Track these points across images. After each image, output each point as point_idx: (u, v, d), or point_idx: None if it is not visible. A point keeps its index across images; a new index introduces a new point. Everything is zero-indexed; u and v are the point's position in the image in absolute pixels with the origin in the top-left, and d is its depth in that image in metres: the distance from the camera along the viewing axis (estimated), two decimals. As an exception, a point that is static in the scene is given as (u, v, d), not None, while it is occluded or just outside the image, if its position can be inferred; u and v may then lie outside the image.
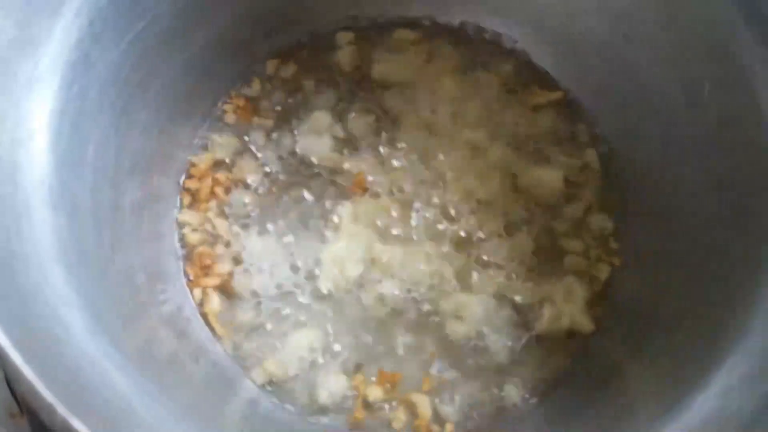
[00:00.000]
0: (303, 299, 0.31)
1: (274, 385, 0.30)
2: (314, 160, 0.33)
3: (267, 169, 0.33)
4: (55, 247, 0.21)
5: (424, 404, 0.29)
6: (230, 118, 0.34)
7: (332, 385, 0.29)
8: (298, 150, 0.33)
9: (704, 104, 0.28)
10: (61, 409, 0.16)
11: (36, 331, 0.18)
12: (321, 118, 0.33)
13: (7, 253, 0.19)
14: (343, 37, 0.35)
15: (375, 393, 0.30)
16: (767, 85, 0.25)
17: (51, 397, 0.16)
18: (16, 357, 0.16)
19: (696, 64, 0.28)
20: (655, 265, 0.30)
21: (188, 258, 0.31)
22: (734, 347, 0.21)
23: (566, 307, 0.31)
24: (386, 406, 0.29)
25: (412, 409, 0.29)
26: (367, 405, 0.29)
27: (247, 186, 0.33)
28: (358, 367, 0.30)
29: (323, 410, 0.29)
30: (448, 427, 0.29)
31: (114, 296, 0.24)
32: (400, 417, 0.29)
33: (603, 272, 0.32)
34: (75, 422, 0.16)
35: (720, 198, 0.26)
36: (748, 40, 0.25)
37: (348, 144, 0.33)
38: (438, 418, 0.29)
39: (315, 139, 0.33)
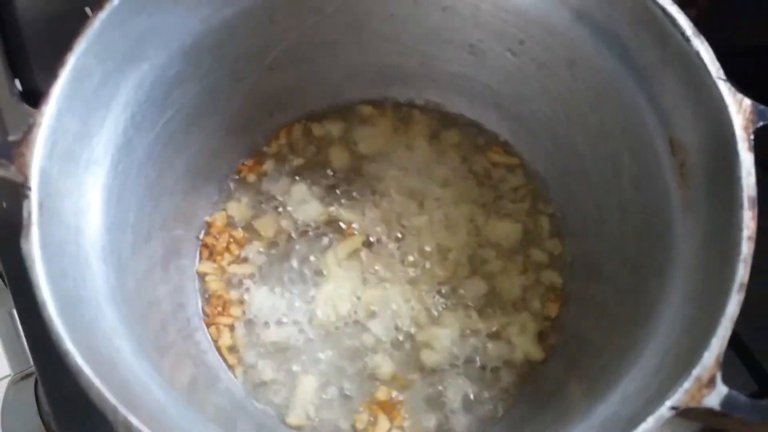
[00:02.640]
0: (302, 333, 0.37)
1: (280, 408, 0.36)
2: (307, 219, 0.39)
3: (273, 228, 0.40)
4: (106, 292, 0.27)
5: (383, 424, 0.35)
6: (241, 185, 0.41)
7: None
8: (293, 212, 0.40)
9: (624, 173, 0.34)
10: (122, 409, 0.22)
11: (98, 354, 0.24)
12: (311, 186, 0.40)
13: (75, 297, 0.25)
14: (330, 117, 0.42)
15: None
16: (666, 156, 0.31)
17: (114, 399, 0.22)
18: (88, 371, 0.22)
19: (617, 139, 0.34)
20: (592, 302, 0.36)
21: (206, 301, 0.37)
22: (634, 365, 0.27)
23: (520, 339, 0.37)
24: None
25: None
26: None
27: (256, 242, 0.39)
28: (347, 392, 0.36)
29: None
30: None
31: (150, 331, 0.30)
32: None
33: (553, 311, 0.38)
34: (133, 419, 0.22)
35: (636, 246, 0.33)
36: (652, 122, 0.32)
37: (336, 203, 0.40)
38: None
39: (306, 204, 0.40)
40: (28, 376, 0.49)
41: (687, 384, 0.23)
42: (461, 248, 0.39)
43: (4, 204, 0.45)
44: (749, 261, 0.25)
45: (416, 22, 0.38)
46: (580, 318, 0.36)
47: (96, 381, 0.22)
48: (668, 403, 0.22)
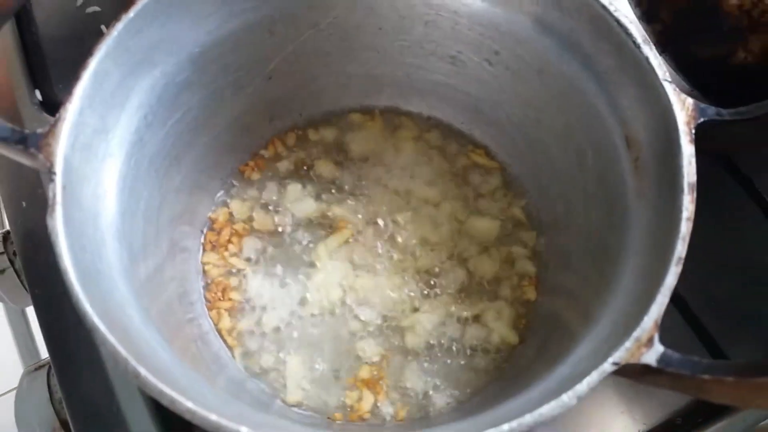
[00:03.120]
0: (294, 318, 0.40)
1: (275, 386, 0.39)
2: (302, 216, 0.43)
3: (268, 225, 0.43)
4: (119, 268, 0.31)
5: (368, 399, 0.37)
6: (242, 183, 0.44)
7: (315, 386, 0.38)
8: (289, 209, 0.43)
9: (588, 168, 0.37)
10: (132, 361, 0.25)
11: (111, 318, 0.27)
12: (306, 185, 0.44)
13: (93, 269, 0.29)
14: (324, 122, 0.45)
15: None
16: (623, 151, 0.34)
17: (125, 353, 0.25)
18: (103, 329, 0.26)
19: (582, 138, 0.38)
20: (562, 289, 0.39)
21: (207, 287, 0.41)
22: (591, 334, 0.30)
23: (496, 324, 0.40)
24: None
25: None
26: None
27: (255, 235, 0.43)
28: (336, 372, 0.39)
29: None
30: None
31: (157, 309, 0.34)
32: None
33: (528, 297, 0.41)
34: (141, 369, 0.25)
35: (598, 234, 0.36)
36: (611, 121, 0.35)
37: (329, 200, 0.43)
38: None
39: (301, 202, 0.43)
40: (41, 367, 0.52)
41: (628, 344, 0.26)
42: (444, 242, 0.42)
43: (24, 204, 0.49)
44: (687, 239, 0.28)
45: (402, 36, 0.42)
46: (551, 304, 0.39)
47: (110, 337, 0.25)
48: (611, 360, 0.25)
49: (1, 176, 0.51)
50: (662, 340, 0.26)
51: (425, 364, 0.39)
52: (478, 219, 0.43)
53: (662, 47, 0.46)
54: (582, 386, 0.25)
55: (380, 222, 0.43)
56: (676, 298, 0.43)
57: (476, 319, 0.40)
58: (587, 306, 0.33)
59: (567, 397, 0.24)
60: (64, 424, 0.48)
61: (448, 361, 0.39)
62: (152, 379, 0.25)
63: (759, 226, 0.45)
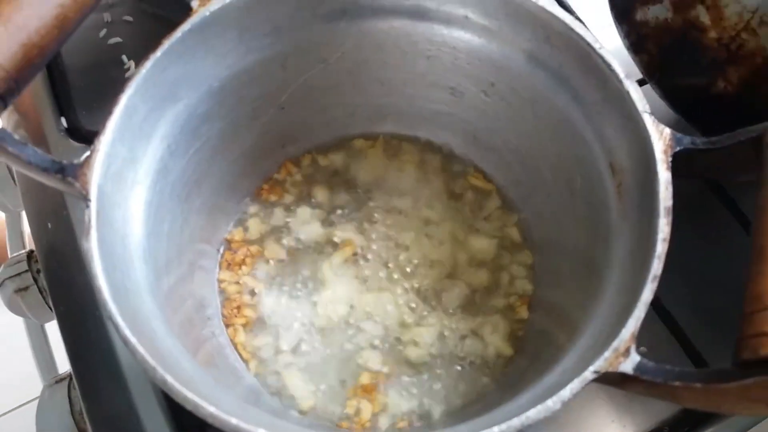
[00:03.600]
0: (305, 333, 0.43)
1: (287, 397, 0.41)
2: (311, 237, 0.46)
3: (280, 245, 0.46)
4: (146, 286, 0.34)
5: (367, 408, 0.40)
6: (256, 206, 0.47)
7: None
8: (298, 232, 0.46)
9: (577, 192, 0.40)
10: (160, 369, 0.28)
11: (139, 330, 0.30)
12: (315, 208, 0.47)
13: (122, 287, 0.31)
14: (333, 148, 0.49)
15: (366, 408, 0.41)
16: (608, 177, 0.37)
17: (153, 362, 0.28)
18: (133, 340, 0.28)
19: (572, 165, 0.40)
20: (553, 305, 0.41)
21: (224, 303, 0.43)
22: (576, 346, 0.33)
23: (492, 337, 0.42)
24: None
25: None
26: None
27: (268, 256, 0.46)
28: (343, 383, 0.42)
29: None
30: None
31: (179, 323, 0.37)
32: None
33: (522, 313, 0.43)
34: (168, 377, 0.28)
35: (584, 254, 0.39)
36: (598, 150, 0.38)
37: (335, 221, 0.46)
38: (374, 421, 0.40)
39: (309, 224, 0.46)
40: (61, 380, 0.54)
41: (607, 354, 0.28)
42: (444, 260, 0.45)
43: (50, 225, 0.52)
44: (663, 258, 0.31)
45: (405, 69, 0.45)
46: (542, 319, 0.42)
47: (140, 348, 0.28)
48: (591, 368, 0.28)
49: (28, 199, 0.55)
50: (649, 351, 0.29)
51: (426, 375, 0.41)
52: (476, 238, 0.46)
53: (649, 76, 0.49)
54: (565, 392, 0.27)
55: (384, 241, 0.46)
56: (662, 312, 0.45)
57: (473, 332, 0.43)
58: (574, 320, 0.36)
59: (551, 402, 0.27)
60: (84, 435, 0.50)
61: (447, 372, 0.41)
62: (177, 386, 0.27)
63: (741, 242, 0.48)
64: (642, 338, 0.29)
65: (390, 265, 0.45)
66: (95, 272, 0.30)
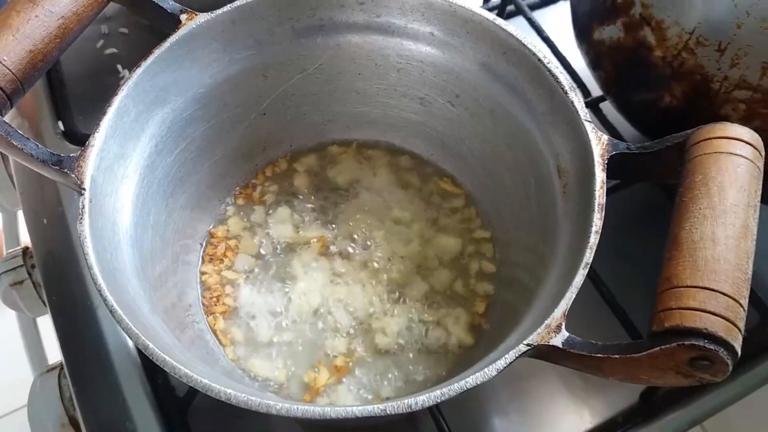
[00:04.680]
0: (279, 321, 0.46)
1: (260, 378, 0.44)
2: (286, 235, 0.49)
3: (258, 242, 0.49)
4: (132, 267, 0.37)
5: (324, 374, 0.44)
6: (236, 205, 0.51)
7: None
8: (275, 229, 0.49)
9: (532, 193, 0.44)
10: (143, 337, 0.31)
11: (125, 305, 0.33)
12: (291, 208, 0.50)
13: (111, 266, 0.35)
14: (311, 153, 0.52)
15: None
16: (556, 180, 0.41)
17: (136, 330, 0.31)
18: (119, 310, 0.32)
19: (527, 170, 0.44)
20: (507, 302, 0.45)
21: (205, 293, 0.47)
22: (519, 329, 0.36)
23: (455, 328, 0.46)
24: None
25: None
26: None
27: (247, 251, 0.49)
28: (314, 368, 0.45)
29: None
30: None
31: (162, 308, 0.40)
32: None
33: (481, 307, 0.47)
34: (149, 343, 0.31)
35: (535, 252, 0.42)
36: (547, 155, 0.42)
37: (311, 220, 0.50)
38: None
39: (285, 224, 0.49)
40: (52, 369, 0.57)
41: (540, 329, 0.32)
42: (412, 257, 0.49)
43: (45, 220, 0.56)
44: (594, 248, 0.34)
45: (378, 80, 0.49)
46: (499, 313, 0.45)
47: (125, 317, 0.31)
48: (525, 341, 0.31)
49: (26, 197, 0.58)
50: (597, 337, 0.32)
51: (391, 360, 0.45)
52: (443, 237, 0.49)
53: (606, 91, 0.54)
54: (501, 362, 0.31)
55: (357, 239, 0.49)
56: (616, 307, 0.49)
57: (437, 323, 0.46)
58: (522, 313, 0.39)
59: (488, 370, 0.30)
60: (72, 420, 0.53)
61: (411, 356, 0.45)
62: (157, 350, 0.31)
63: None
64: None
65: (361, 260, 0.48)
66: (87, 251, 0.33)
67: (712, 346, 0.27)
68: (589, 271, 0.46)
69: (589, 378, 0.50)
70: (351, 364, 0.44)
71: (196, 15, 0.42)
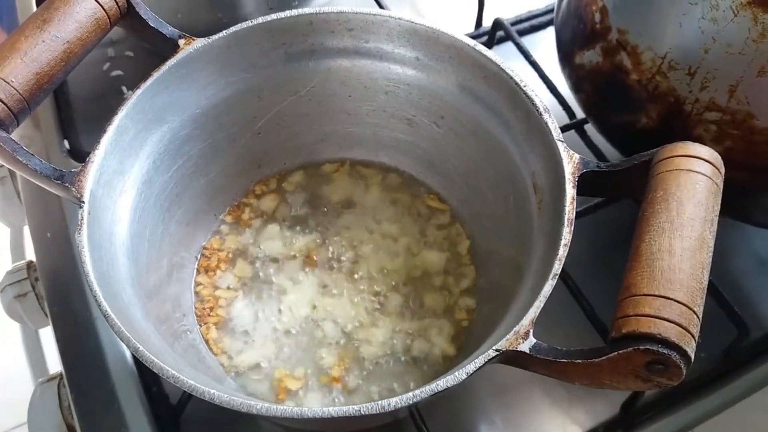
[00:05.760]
0: (270, 331, 0.48)
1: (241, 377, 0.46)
2: (277, 250, 0.51)
3: (251, 255, 0.51)
4: (127, 277, 0.39)
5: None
6: (231, 220, 0.53)
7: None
8: (265, 245, 0.52)
9: (511, 209, 0.46)
10: (134, 341, 0.33)
11: (119, 311, 0.35)
12: (282, 223, 0.52)
13: (107, 275, 0.37)
14: (303, 171, 0.55)
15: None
16: (532, 196, 0.43)
17: (129, 334, 0.33)
18: (113, 315, 0.34)
19: (507, 187, 0.46)
20: (489, 315, 0.47)
21: (198, 303, 0.49)
22: (492, 337, 0.38)
23: (438, 339, 0.47)
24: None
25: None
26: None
27: (240, 264, 0.51)
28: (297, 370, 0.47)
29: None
30: None
31: (156, 315, 0.42)
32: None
33: (464, 319, 0.49)
34: (140, 346, 0.33)
35: (514, 266, 0.44)
36: (525, 172, 0.44)
37: (303, 235, 0.52)
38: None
39: (275, 240, 0.52)
40: (52, 378, 0.59)
41: (509, 336, 0.33)
42: (399, 270, 0.50)
43: (49, 234, 0.58)
44: (563, 260, 0.36)
45: (368, 102, 0.51)
46: (481, 325, 0.47)
47: (117, 321, 0.33)
48: (494, 347, 0.33)
49: (31, 212, 0.61)
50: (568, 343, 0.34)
51: (376, 370, 0.46)
52: (429, 252, 0.51)
53: (587, 113, 0.56)
54: (470, 366, 0.32)
55: (346, 253, 0.51)
56: (595, 321, 0.50)
57: (421, 334, 0.48)
58: (500, 325, 0.41)
59: (458, 373, 0.32)
60: (70, 428, 0.55)
61: (396, 366, 0.46)
62: (147, 353, 0.33)
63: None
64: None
65: (349, 273, 0.50)
66: (84, 260, 0.35)
67: (665, 351, 0.29)
68: (571, 286, 0.48)
69: (572, 389, 0.51)
70: (344, 374, 0.46)
71: (193, 40, 0.44)
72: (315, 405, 0.45)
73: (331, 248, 0.51)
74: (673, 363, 0.29)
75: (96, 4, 0.42)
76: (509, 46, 0.67)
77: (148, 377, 0.49)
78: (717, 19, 0.41)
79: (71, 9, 0.42)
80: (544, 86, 0.61)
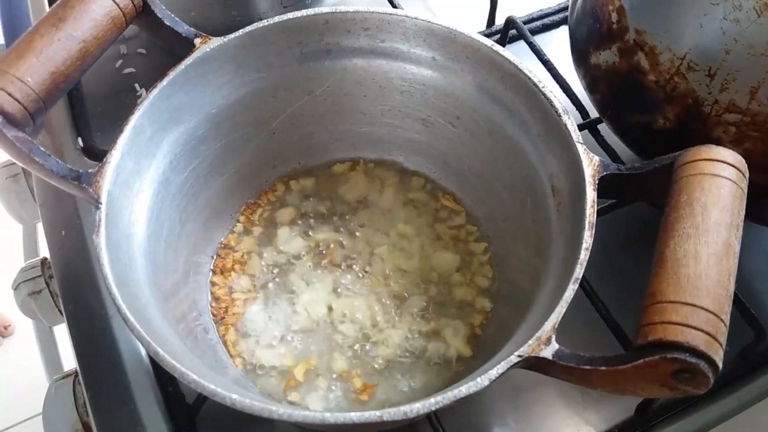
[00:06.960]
0: (286, 332, 0.48)
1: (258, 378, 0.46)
2: (292, 250, 0.51)
3: (267, 255, 0.51)
4: (145, 277, 0.39)
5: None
6: (246, 220, 0.53)
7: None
8: (281, 244, 0.51)
9: (528, 211, 0.46)
10: (153, 343, 0.33)
11: (137, 313, 0.35)
12: (298, 224, 0.52)
13: (125, 276, 0.37)
14: (319, 170, 0.55)
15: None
16: (551, 198, 0.43)
17: (147, 337, 0.33)
18: (132, 318, 0.34)
19: (523, 188, 0.46)
20: (505, 317, 0.46)
21: (214, 303, 0.49)
22: (512, 342, 0.37)
23: (453, 340, 0.47)
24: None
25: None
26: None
27: (256, 264, 0.51)
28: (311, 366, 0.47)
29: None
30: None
31: (172, 317, 0.42)
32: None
33: (479, 320, 0.48)
34: (159, 350, 0.33)
35: (531, 269, 0.44)
36: (543, 174, 0.44)
37: (318, 237, 0.52)
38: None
39: (292, 240, 0.51)
40: (67, 376, 0.59)
41: (531, 341, 0.33)
42: (414, 271, 0.50)
43: (63, 232, 0.58)
44: (584, 264, 0.36)
45: (383, 102, 0.51)
46: (497, 326, 0.47)
47: (136, 324, 0.33)
48: (516, 353, 0.33)
49: (45, 210, 0.61)
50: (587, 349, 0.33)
51: (392, 371, 0.46)
52: (444, 252, 0.51)
53: (602, 113, 0.55)
54: (493, 372, 0.32)
55: (361, 253, 0.51)
56: (611, 323, 0.50)
57: (437, 335, 0.48)
58: (518, 328, 0.41)
59: (480, 380, 0.32)
60: (85, 425, 0.55)
61: (413, 369, 0.46)
62: (167, 357, 0.32)
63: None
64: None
65: (365, 273, 0.50)
66: (103, 262, 0.35)
67: (693, 360, 0.29)
68: (586, 288, 0.48)
69: (587, 391, 0.51)
70: (361, 375, 0.45)
71: (209, 39, 0.44)
72: (331, 405, 0.45)
73: (345, 249, 0.51)
74: (700, 372, 0.29)
75: (111, 2, 0.42)
76: (521, 44, 0.66)
77: (164, 376, 0.49)
78: (740, 19, 0.41)
79: (87, 7, 0.41)
80: (557, 85, 0.61)
